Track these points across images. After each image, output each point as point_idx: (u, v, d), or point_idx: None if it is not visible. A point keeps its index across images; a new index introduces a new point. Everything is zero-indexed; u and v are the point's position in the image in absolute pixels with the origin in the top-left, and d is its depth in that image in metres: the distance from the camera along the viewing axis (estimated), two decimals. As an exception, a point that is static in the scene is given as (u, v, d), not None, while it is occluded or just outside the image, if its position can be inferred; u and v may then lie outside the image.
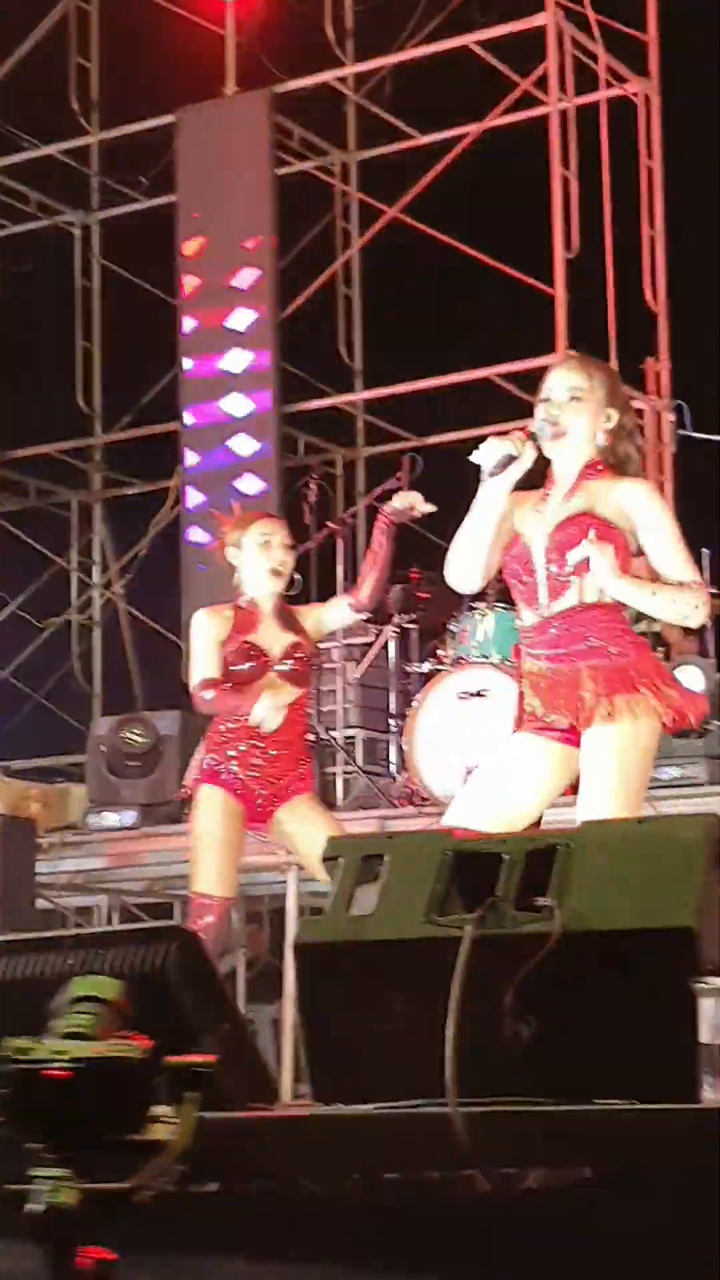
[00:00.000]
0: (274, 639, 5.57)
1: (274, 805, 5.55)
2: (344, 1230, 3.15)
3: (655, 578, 4.33)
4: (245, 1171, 3.20)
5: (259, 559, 5.62)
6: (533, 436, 4.29)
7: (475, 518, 4.33)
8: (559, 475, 4.42)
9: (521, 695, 4.38)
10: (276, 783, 5.55)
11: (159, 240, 10.95)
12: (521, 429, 4.30)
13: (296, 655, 5.56)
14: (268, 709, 5.43)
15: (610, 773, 4.21)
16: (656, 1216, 2.95)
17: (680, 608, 4.31)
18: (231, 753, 5.54)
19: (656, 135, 10.50)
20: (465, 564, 4.37)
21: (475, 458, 4.26)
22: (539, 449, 4.33)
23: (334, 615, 5.75)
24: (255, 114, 10.70)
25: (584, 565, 4.28)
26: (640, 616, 7.69)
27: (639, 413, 4.51)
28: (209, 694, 5.51)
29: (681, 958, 3.12)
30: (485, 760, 4.39)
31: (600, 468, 4.40)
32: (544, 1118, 3.09)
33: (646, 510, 4.32)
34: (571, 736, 4.31)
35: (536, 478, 4.45)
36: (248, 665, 5.52)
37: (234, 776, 5.51)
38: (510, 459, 4.24)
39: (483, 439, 4.35)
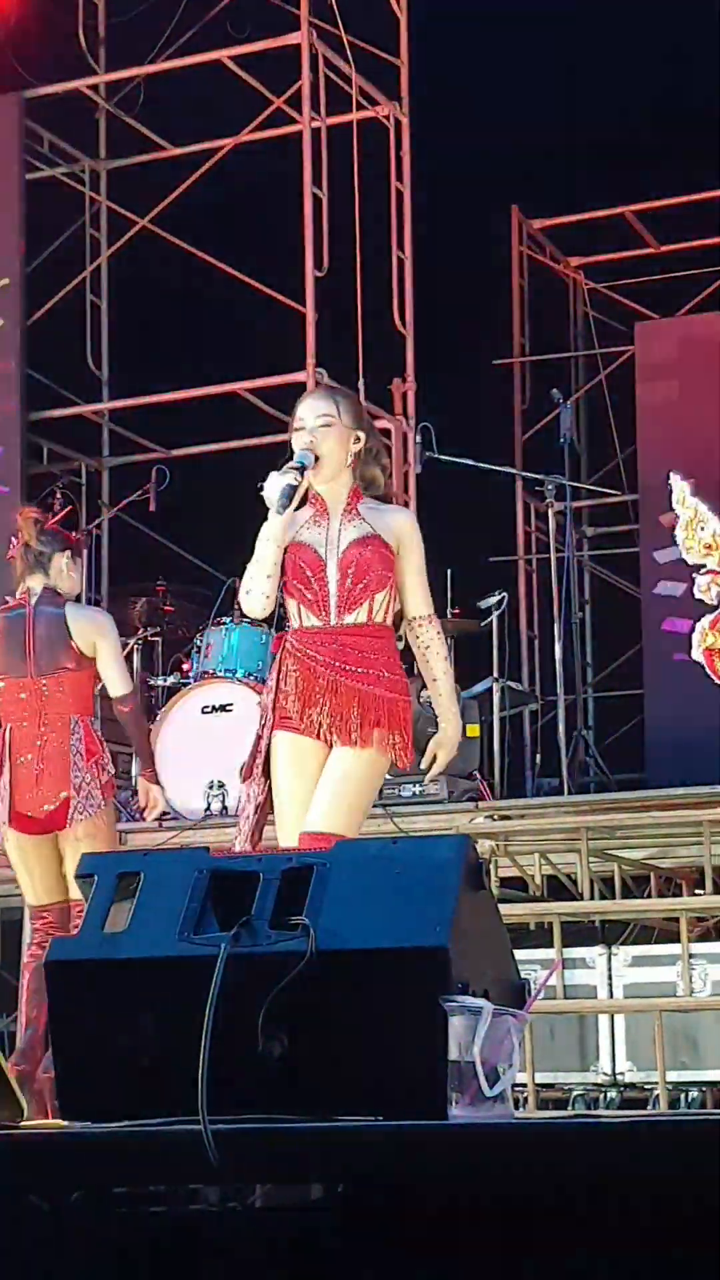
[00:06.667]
0: None
1: None
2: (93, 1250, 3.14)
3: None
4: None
5: None
6: (301, 468, 4.63)
7: (263, 550, 4.67)
8: (326, 496, 4.73)
9: (279, 691, 4.64)
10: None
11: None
12: (289, 464, 4.63)
13: None
14: None
15: (345, 792, 4.55)
16: (405, 1233, 2.99)
17: (442, 652, 4.80)
18: None
19: (406, 158, 10.62)
20: (260, 593, 4.69)
21: (265, 492, 4.60)
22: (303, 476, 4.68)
23: None
24: (5, 118, 10.59)
25: (374, 584, 4.63)
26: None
27: (385, 433, 4.82)
28: None
29: (433, 976, 3.17)
30: (281, 777, 4.63)
31: (359, 495, 4.75)
32: (292, 1134, 3.12)
33: (408, 543, 4.74)
34: (322, 739, 4.62)
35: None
36: None
37: None
38: (292, 489, 4.58)
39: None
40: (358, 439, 4.73)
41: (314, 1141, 3.09)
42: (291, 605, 4.72)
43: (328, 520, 4.71)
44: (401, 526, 4.74)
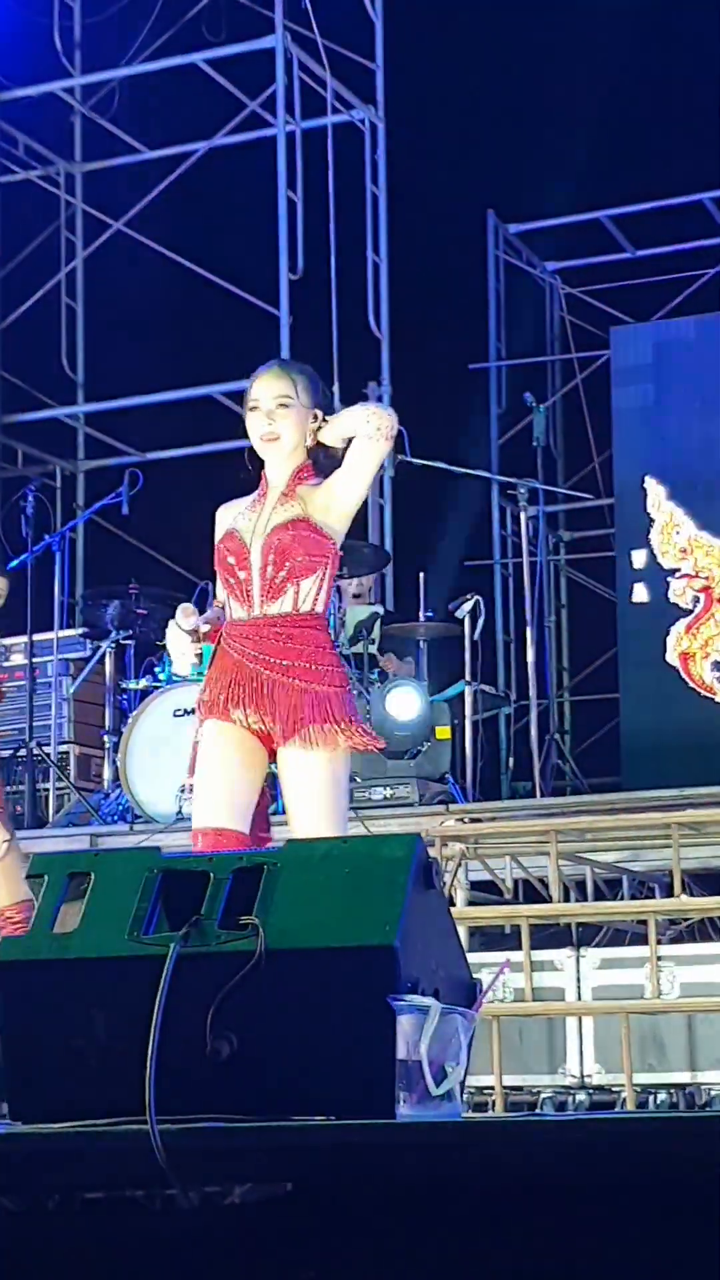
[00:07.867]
0: None
1: None
2: (44, 1251, 3.13)
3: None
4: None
5: None
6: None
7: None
8: (272, 479, 4.51)
9: (212, 681, 4.46)
10: None
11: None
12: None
13: None
14: None
15: (318, 806, 4.34)
16: (352, 1232, 2.98)
17: (369, 418, 4.38)
18: None
19: (381, 161, 10.63)
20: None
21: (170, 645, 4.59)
22: (257, 460, 4.50)
23: None
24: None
25: (298, 570, 4.39)
26: (354, 638, 7.81)
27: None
28: None
29: (381, 975, 3.16)
30: (203, 756, 4.43)
31: (308, 473, 4.49)
32: (240, 1134, 3.11)
33: (332, 478, 4.42)
34: (258, 736, 4.41)
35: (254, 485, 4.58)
36: None
37: None
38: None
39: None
40: (315, 416, 4.45)
41: (262, 1141, 3.08)
42: (222, 596, 4.51)
43: (263, 504, 4.48)
44: (328, 482, 4.42)
